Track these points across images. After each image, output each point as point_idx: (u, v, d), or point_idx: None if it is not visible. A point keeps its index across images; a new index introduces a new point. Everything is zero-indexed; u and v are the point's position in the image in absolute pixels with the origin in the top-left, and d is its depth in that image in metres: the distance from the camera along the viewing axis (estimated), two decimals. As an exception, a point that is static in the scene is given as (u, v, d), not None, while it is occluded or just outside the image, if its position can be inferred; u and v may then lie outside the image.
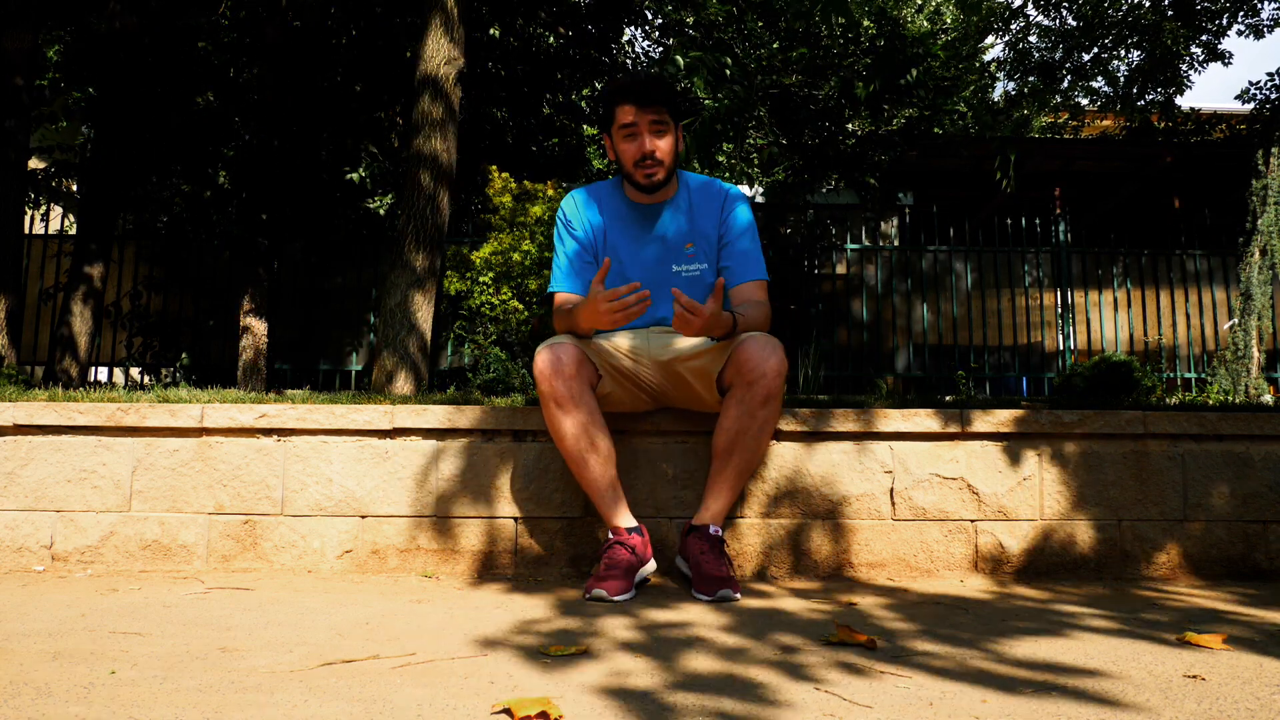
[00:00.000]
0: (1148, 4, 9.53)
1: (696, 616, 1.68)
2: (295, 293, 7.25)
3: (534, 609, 1.74)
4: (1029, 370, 7.59)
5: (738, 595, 1.85)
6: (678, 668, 1.30)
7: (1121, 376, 5.30)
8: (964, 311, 7.58)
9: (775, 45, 6.47)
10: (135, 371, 7.19)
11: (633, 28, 8.95)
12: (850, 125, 7.22)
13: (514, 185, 5.36)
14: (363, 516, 2.17)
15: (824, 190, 7.82)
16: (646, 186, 2.09)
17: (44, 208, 7.11)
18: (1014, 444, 2.22)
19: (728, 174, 7.29)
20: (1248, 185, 6.93)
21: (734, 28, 6.24)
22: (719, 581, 1.85)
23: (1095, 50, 10.18)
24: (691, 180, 2.21)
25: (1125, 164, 9.10)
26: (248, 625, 1.56)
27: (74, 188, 7.55)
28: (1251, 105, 9.92)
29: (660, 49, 9.59)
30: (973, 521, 2.19)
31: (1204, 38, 9.79)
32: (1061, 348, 7.64)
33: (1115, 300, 7.65)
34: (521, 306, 5.11)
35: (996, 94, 12.41)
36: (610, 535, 1.97)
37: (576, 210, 2.18)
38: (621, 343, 2.07)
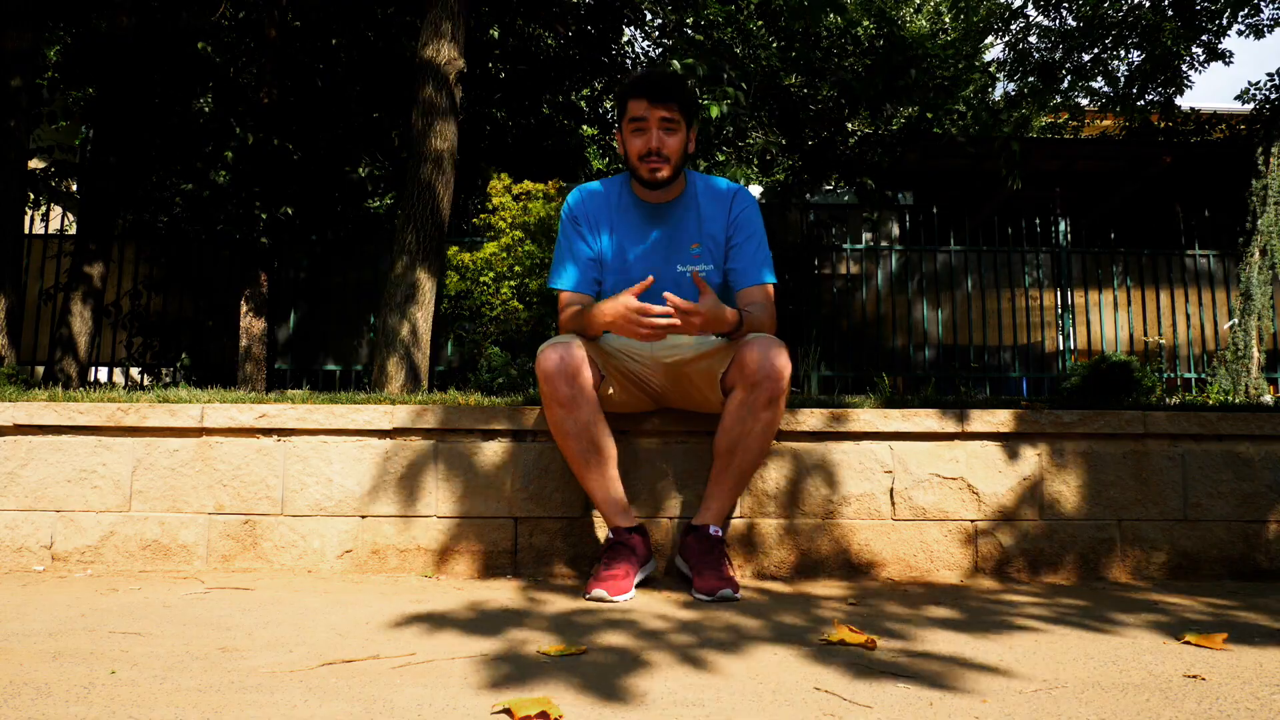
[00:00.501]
0: (1147, 4, 9.53)
1: (696, 616, 1.68)
2: (295, 292, 7.25)
3: (534, 609, 1.74)
4: (1029, 370, 7.59)
5: (737, 595, 1.85)
6: (678, 667, 1.30)
7: (1121, 376, 5.30)
8: (964, 312, 7.58)
9: (775, 47, 6.47)
10: (135, 371, 7.19)
11: (632, 28, 8.95)
12: (850, 126, 7.22)
13: (514, 185, 5.36)
14: (363, 516, 2.17)
15: (824, 190, 7.82)
16: (650, 182, 2.08)
17: (44, 208, 7.11)
18: (1014, 444, 2.22)
19: (727, 173, 7.29)
20: (1248, 185, 6.93)
21: (732, 28, 6.24)
22: (719, 581, 1.85)
23: (1095, 50, 10.17)
24: (700, 180, 2.20)
25: (1125, 164, 9.10)
26: (248, 625, 1.56)
27: (74, 188, 7.55)
28: (1251, 105, 9.92)
29: (660, 49, 9.60)
30: (973, 521, 2.19)
31: (1204, 38, 9.78)
32: (1061, 348, 7.64)
33: (1115, 300, 7.65)
34: (521, 306, 5.11)
35: (997, 94, 12.42)
36: (611, 535, 1.97)
37: (583, 206, 2.16)
38: (626, 344, 2.07)
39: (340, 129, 7.44)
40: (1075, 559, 2.19)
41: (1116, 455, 2.22)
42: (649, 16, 8.78)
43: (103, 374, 7.04)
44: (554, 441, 2.03)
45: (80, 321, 5.55)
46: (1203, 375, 7.22)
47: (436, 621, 1.61)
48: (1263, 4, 9.20)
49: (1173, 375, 7.32)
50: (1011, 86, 11.05)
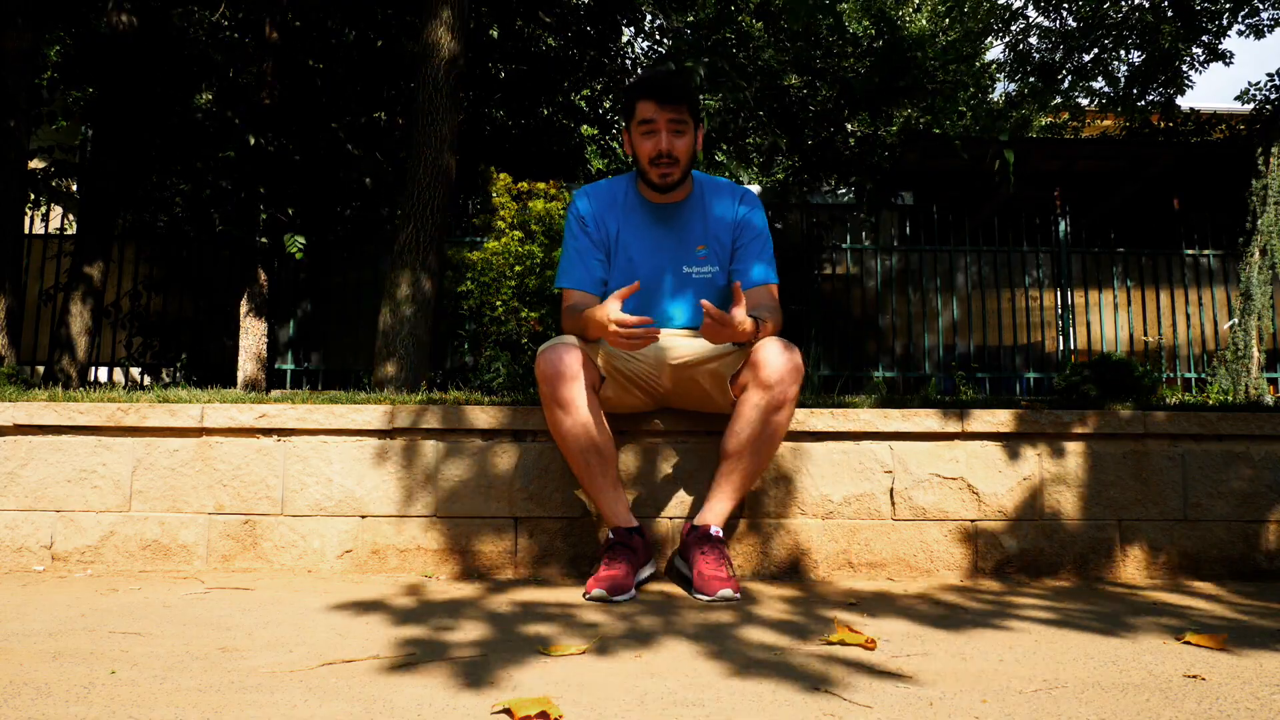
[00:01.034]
0: (1147, 4, 9.54)
1: (696, 617, 1.68)
2: (295, 292, 7.25)
3: (533, 609, 1.74)
4: (1029, 370, 7.59)
5: (737, 595, 1.85)
6: (678, 668, 1.30)
7: (1121, 376, 5.30)
8: (964, 311, 7.58)
9: (771, 45, 6.47)
10: (135, 371, 7.19)
11: (631, 29, 8.94)
12: (850, 126, 7.22)
13: (514, 185, 5.36)
14: (363, 516, 2.17)
15: (824, 190, 7.82)
16: (660, 185, 2.08)
17: (44, 208, 7.11)
18: (1014, 444, 2.22)
19: (727, 173, 7.29)
20: (1248, 185, 6.93)
21: (731, 29, 6.24)
22: (719, 582, 1.85)
23: (1095, 51, 10.18)
24: (707, 181, 2.20)
25: (1125, 164, 9.10)
26: (248, 625, 1.56)
27: (74, 188, 7.55)
28: (1251, 105, 9.93)
29: (659, 50, 9.60)
30: (973, 521, 2.19)
31: (1204, 38, 9.79)
32: (1061, 348, 7.64)
33: (1115, 300, 7.65)
34: (522, 306, 5.10)
35: (997, 94, 12.41)
36: (611, 535, 1.97)
37: (590, 205, 2.16)
38: None
39: (340, 129, 7.44)
40: (1075, 559, 2.19)
41: (1116, 455, 2.22)
42: (648, 18, 8.78)
43: (103, 374, 7.03)
44: (554, 441, 2.03)
45: (80, 321, 5.55)
46: (1203, 375, 7.22)
47: (437, 622, 1.61)
48: (1262, 4, 9.20)
49: (1173, 375, 7.32)
50: (1012, 88, 11.06)
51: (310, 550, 2.15)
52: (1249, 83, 9.93)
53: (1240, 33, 10.18)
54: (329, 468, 2.17)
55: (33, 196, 6.62)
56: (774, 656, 1.37)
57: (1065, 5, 9.95)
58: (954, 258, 7.67)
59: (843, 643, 1.44)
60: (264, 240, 6.34)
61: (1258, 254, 6.72)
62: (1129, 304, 7.63)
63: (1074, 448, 2.22)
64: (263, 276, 6.33)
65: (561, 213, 5.08)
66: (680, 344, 2.06)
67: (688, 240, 2.14)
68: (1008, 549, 2.18)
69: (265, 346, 6.25)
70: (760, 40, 6.61)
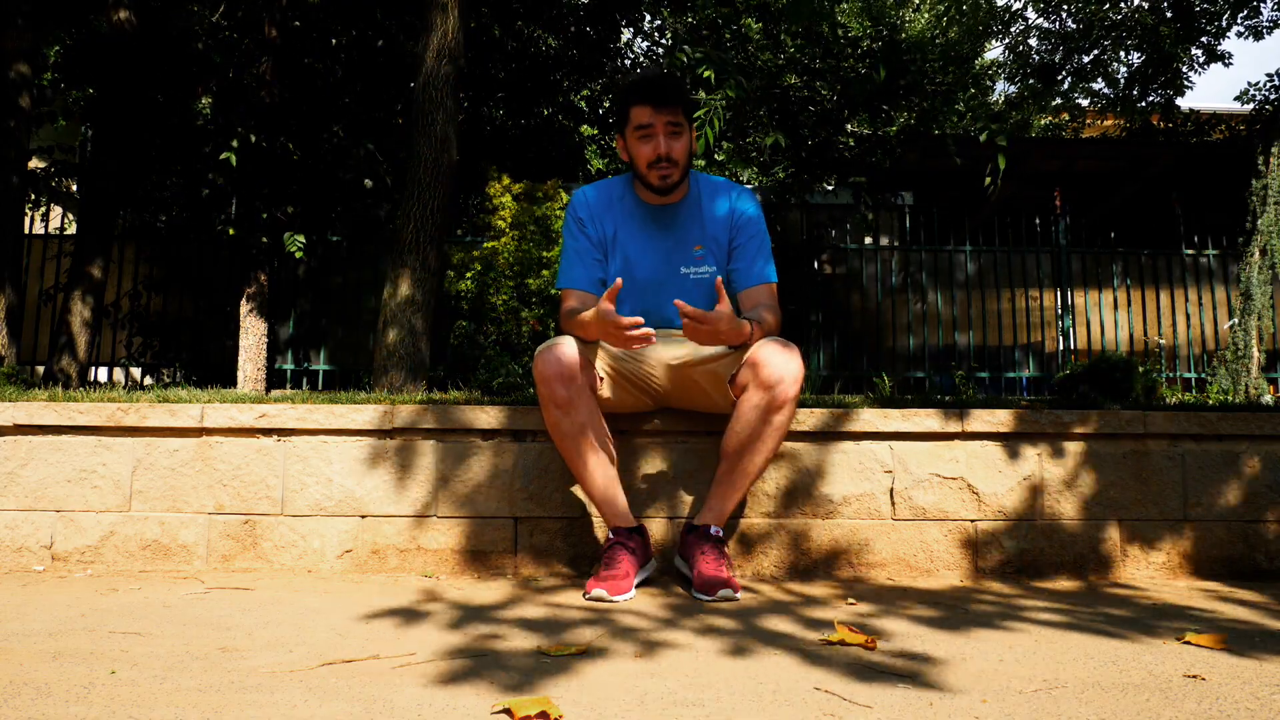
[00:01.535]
0: (1146, 5, 9.54)
1: (696, 617, 1.68)
2: (295, 292, 7.25)
3: (533, 610, 1.74)
4: (1029, 370, 7.59)
5: (738, 595, 1.85)
6: (678, 668, 1.30)
7: (1121, 376, 5.30)
8: (964, 311, 7.59)
9: (767, 55, 6.48)
10: (135, 371, 7.19)
11: (630, 29, 8.95)
12: (850, 127, 7.21)
13: (514, 185, 5.36)
14: (363, 516, 2.17)
15: (824, 191, 7.82)
16: (661, 189, 2.08)
17: (44, 208, 7.11)
18: (1014, 444, 2.22)
19: (727, 173, 7.29)
20: (1248, 185, 6.94)
21: (731, 30, 6.24)
22: (719, 582, 1.85)
23: (1095, 53, 10.19)
24: (703, 181, 2.20)
25: (1125, 164, 9.10)
26: (248, 625, 1.56)
27: (74, 188, 7.55)
28: (1251, 106, 9.92)
29: (658, 51, 9.60)
30: (973, 521, 2.19)
31: (1203, 39, 9.79)
32: (1061, 348, 7.64)
33: (1115, 300, 7.65)
34: (522, 306, 5.10)
35: (996, 94, 12.41)
36: (611, 535, 1.97)
37: (588, 207, 2.16)
38: None
39: (340, 129, 7.44)
40: (1075, 559, 2.19)
41: (1116, 455, 2.22)
42: (648, 18, 8.78)
43: (103, 374, 7.03)
44: (554, 441, 2.03)
45: (80, 321, 5.55)
46: (1203, 375, 7.22)
47: (436, 622, 1.61)
48: (1261, 5, 9.21)
49: (1173, 375, 7.32)
50: (1012, 89, 11.07)
51: (310, 550, 2.15)
52: (1249, 83, 9.92)
53: (1240, 34, 10.17)
54: (329, 468, 2.17)
55: (33, 196, 6.62)
56: (774, 656, 1.37)
57: (1064, 6, 9.96)
58: (954, 257, 7.67)
59: (843, 643, 1.44)
60: (264, 240, 6.34)
61: (1258, 254, 6.72)
62: (1129, 304, 7.63)
63: (1074, 448, 2.22)
64: (263, 276, 6.33)
65: (560, 213, 5.09)
66: (679, 344, 2.05)
67: (685, 241, 2.13)
68: (1008, 549, 2.19)
69: (265, 346, 6.25)
70: (760, 41, 6.60)
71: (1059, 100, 11.06)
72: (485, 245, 5.27)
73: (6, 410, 2.18)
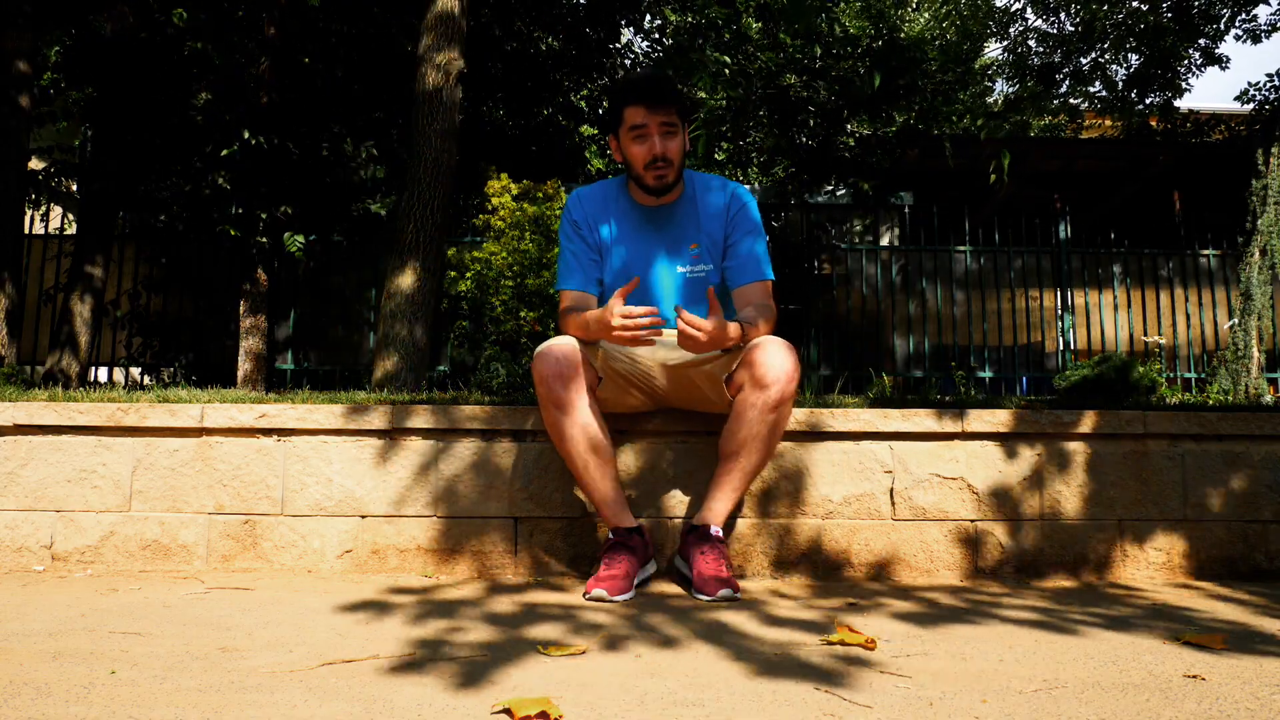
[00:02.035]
0: (1145, 7, 9.54)
1: (696, 617, 1.68)
2: (295, 292, 7.25)
3: (533, 609, 1.74)
4: (1029, 370, 7.59)
5: (738, 595, 1.84)
6: (678, 668, 1.30)
7: (1121, 376, 5.30)
8: (964, 311, 7.58)
9: (767, 55, 6.48)
10: (135, 371, 7.19)
11: (630, 29, 8.95)
12: (850, 127, 7.21)
13: (513, 186, 5.36)
14: (363, 516, 2.17)
15: (824, 190, 7.82)
16: (656, 189, 2.08)
17: (44, 208, 7.11)
18: (1014, 444, 2.22)
19: (726, 173, 7.29)
20: (1248, 185, 6.93)
21: (731, 30, 6.25)
22: (719, 581, 1.85)
23: (1093, 55, 10.20)
24: (698, 179, 2.20)
25: (1125, 164, 9.10)
26: (248, 625, 1.56)
27: (74, 188, 7.54)
28: (1251, 106, 9.92)
29: (659, 50, 9.60)
30: (973, 521, 2.19)
31: (1201, 42, 9.80)
32: (1061, 347, 7.64)
33: (1115, 300, 7.65)
34: (521, 306, 5.10)
35: (996, 95, 12.42)
36: (610, 535, 1.96)
37: (582, 208, 2.16)
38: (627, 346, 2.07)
39: (340, 129, 7.44)
40: (1075, 559, 2.19)
41: (1116, 455, 2.22)
42: (648, 18, 8.78)
43: (103, 374, 7.03)
44: (553, 441, 2.02)
45: (80, 321, 5.55)
46: (1203, 375, 7.21)
47: (436, 622, 1.61)
48: (1259, 7, 9.23)
49: (1173, 375, 7.32)
50: (1011, 90, 11.08)
51: (310, 550, 2.15)
52: (1249, 83, 9.92)
53: (1237, 37, 10.18)
54: (329, 468, 2.17)
55: (33, 196, 6.62)
56: (774, 656, 1.37)
57: (1064, 8, 9.97)
58: (954, 257, 7.67)
59: (843, 643, 1.44)
60: (264, 240, 6.34)
61: (1258, 254, 6.72)
62: (1129, 304, 7.63)
63: (1074, 448, 2.22)
64: (262, 276, 6.33)
65: (559, 213, 5.09)
66: (675, 344, 2.05)
67: (680, 240, 2.13)
68: (1008, 549, 2.19)
69: (265, 346, 6.25)
70: (760, 41, 6.61)
71: (1057, 103, 11.08)
72: (485, 245, 5.27)
73: (6, 410, 2.18)
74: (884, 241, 8.39)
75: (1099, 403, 2.40)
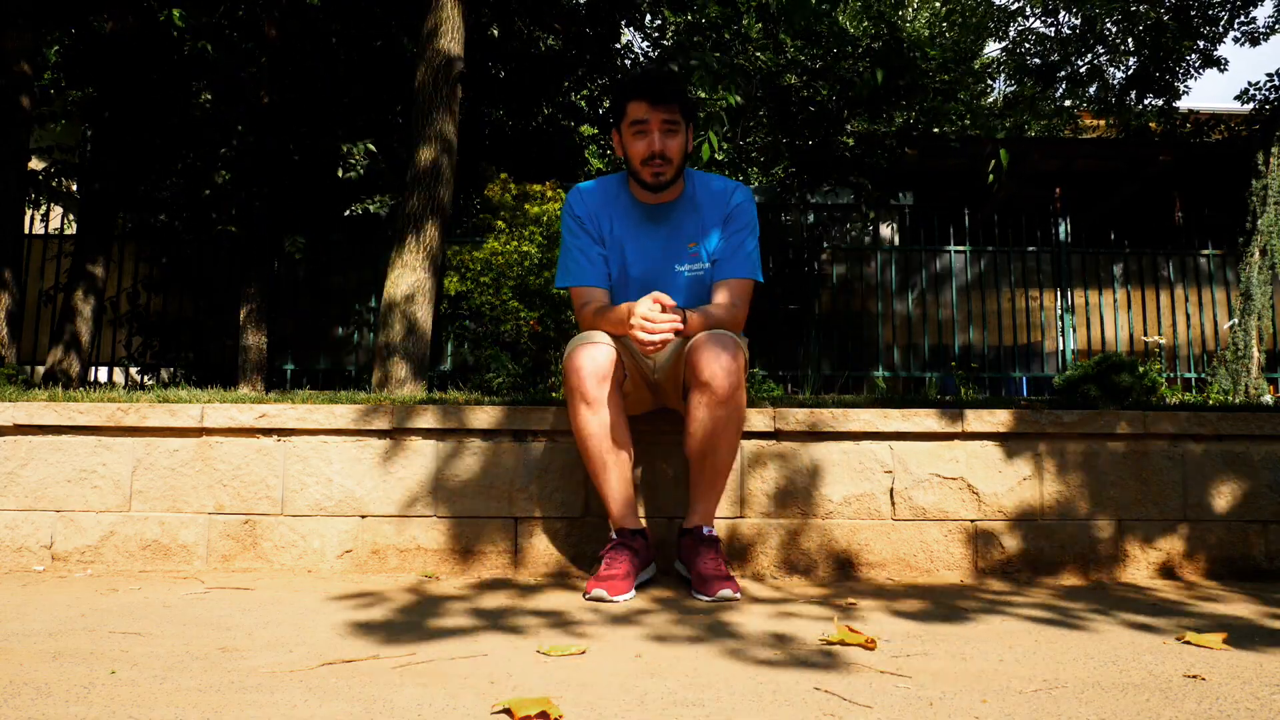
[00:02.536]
0: (1145, 8, 9.54)
1: (696, 618, 1.68)
2: (295, 292, 7.25)
3: (533, 609, 1.74)
4: (1029, 370, 7.59)
5: (737, 595, 1.84)
6: (678, 668, 1.30)
7: (1121, 376, 5.29)
8: (964, 311, 7.59)
9: (768, 55, 6.48)
10: (135, 371, 7.19)
11: (630, 29, 8.95)
12: (850, 126, 7.22)
13: (514, 186, 5.35)
14: (363, 516, 2.17)
15: (824, 190, 7.82)
16: (653, 185, 2.08)
17: (44, 208, 7.11)
18: (1014, 444, 2.22)
19: (727, 173, 7.29)
20: (1248, 185, 6.94)
21: (731, 30, 6.25)
22: (718, 582, 1.85)
23: (1090, 58, 10.21)
24: (699, 178, 2.20)
25: (1125, 164, 9.10)
26: (248, 625, 1.56)
27: (74, 188, 7.55)
28: (1251, 106, 9.92)
29: (658, 50, 9.60)
30: (973, 521, 2.19)
31: (1200, 43, 9.80)
32: (1061, 348, 7.64)
33: (1115, 300, 7.65)
34: (522, 306, 5.10)
35: (995, 95, 12.43)
36: (614, 536, 1.96)
37: (585, 204, 2.16)
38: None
39: (341, 129, 7.44)
40: (1075, 558, 2.19)
41: (1116, 455, 2.22)
42: (649, 18, 8.77)
43: (103, 374, 7.04)
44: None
45: (80, 321, 5.55)
46: (1203, 375, 7.21)
47: (437, 622, 1.61)
48: (1257, 8, 9.25)
49: (1173, 375, 7.32)
50: (1010, 90, 11.09)
51: (310, 550, 2.15)
52: (1249, 83, 9.91)
53: (1236, 40, 10.18)
54: (329, 468, 2.17)
55: (33, 196, 6.62)
56: (774, 656, 1.37)
57: (1064, 7, 9.97)
58: (954, 257, 7.67)
59: (843, 643, 1.44)
60: (264, 240, 6.34)
61: (1258, 254, 6.72)
62: (1129, 304, 7.63)
63: (1074, 447, 2.22)
64: (263, 276, 6.33)
65: (559, 213, 5.09)
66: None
67: (679, 238, 2.14)
68: (1008, 549, 2.19)
69: (265, 346, 6.25)
70: (760, 41, 6.61)
71: (1053, 106, 11.08)
72: (485, 245, 5.27)
73: (6, 410, 2.18)
74: (884, 241, 8.39)
75: (1099, 402, 2.40)
